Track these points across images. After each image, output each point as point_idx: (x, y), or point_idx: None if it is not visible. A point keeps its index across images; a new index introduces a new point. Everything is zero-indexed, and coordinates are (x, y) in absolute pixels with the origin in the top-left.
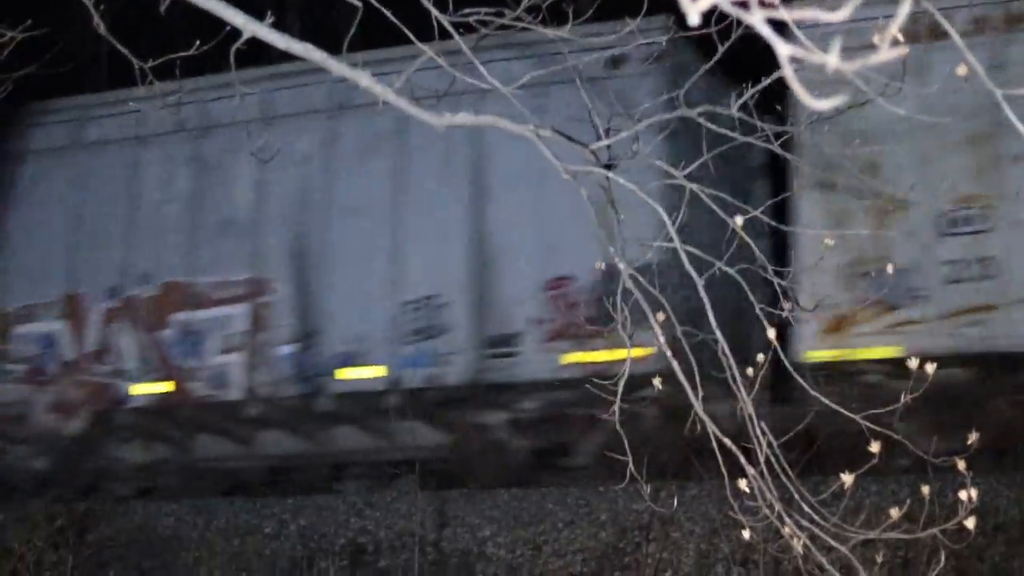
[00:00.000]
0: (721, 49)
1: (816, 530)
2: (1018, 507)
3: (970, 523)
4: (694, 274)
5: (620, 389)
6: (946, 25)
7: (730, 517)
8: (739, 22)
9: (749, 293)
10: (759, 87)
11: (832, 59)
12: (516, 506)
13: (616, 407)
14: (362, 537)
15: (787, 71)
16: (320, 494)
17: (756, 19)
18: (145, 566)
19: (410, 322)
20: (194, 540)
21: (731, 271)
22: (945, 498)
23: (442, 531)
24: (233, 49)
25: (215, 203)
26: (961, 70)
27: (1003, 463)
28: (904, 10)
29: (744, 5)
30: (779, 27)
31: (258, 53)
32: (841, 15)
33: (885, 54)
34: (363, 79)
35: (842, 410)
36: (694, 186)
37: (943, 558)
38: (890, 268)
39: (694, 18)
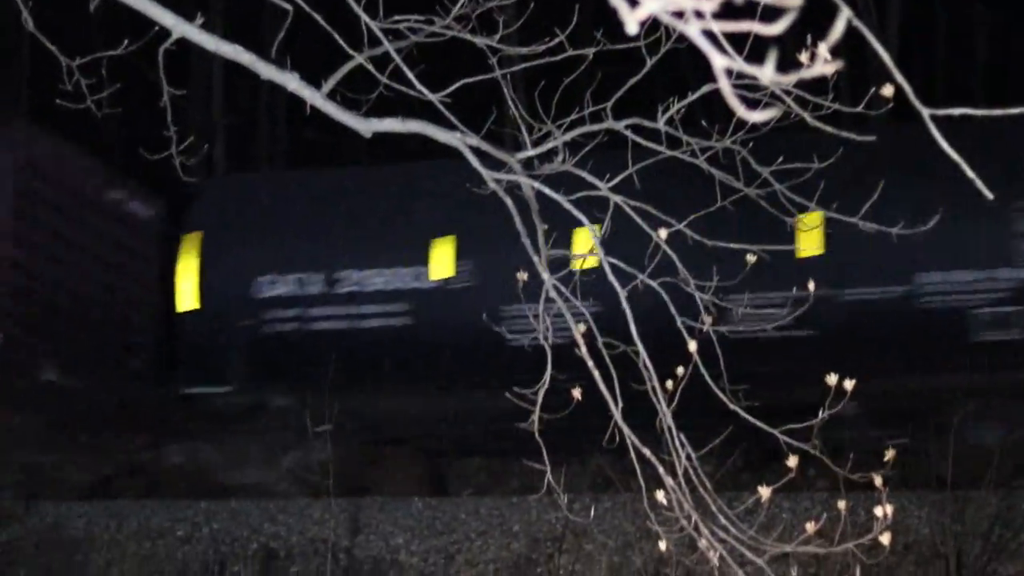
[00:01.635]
0: (650, 61)
1: (733, 542)
2: (928, 526)
3: (885, 539)
4: (617, 286)
5: (540, 399)
6: (876, 44)
7: (643, 530)
8: (669, 33)
9: (671, 305)
10: (686, 101)
11: (767, 71)
12: (429, 515)
13: (535, 416)
14: (274, 542)
15: (722, 83)
16: (234, 498)
17: (692, 30)
18: (55, 568)
19: None
20: (105, 542)
21: (653, 283)
22: (858, 516)
23: (355, 538)
24: (162, 49)
25: None
26: (887, 90)
27: (914, 482)
28: (840, 27)
29: (680, 16)
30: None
31: None
32: (778, 28)
33: (820, 68)
34: (291, 82)
35: (761, 424)
36: (618, 198)
37: (857, 573)
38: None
39: (632, 27)
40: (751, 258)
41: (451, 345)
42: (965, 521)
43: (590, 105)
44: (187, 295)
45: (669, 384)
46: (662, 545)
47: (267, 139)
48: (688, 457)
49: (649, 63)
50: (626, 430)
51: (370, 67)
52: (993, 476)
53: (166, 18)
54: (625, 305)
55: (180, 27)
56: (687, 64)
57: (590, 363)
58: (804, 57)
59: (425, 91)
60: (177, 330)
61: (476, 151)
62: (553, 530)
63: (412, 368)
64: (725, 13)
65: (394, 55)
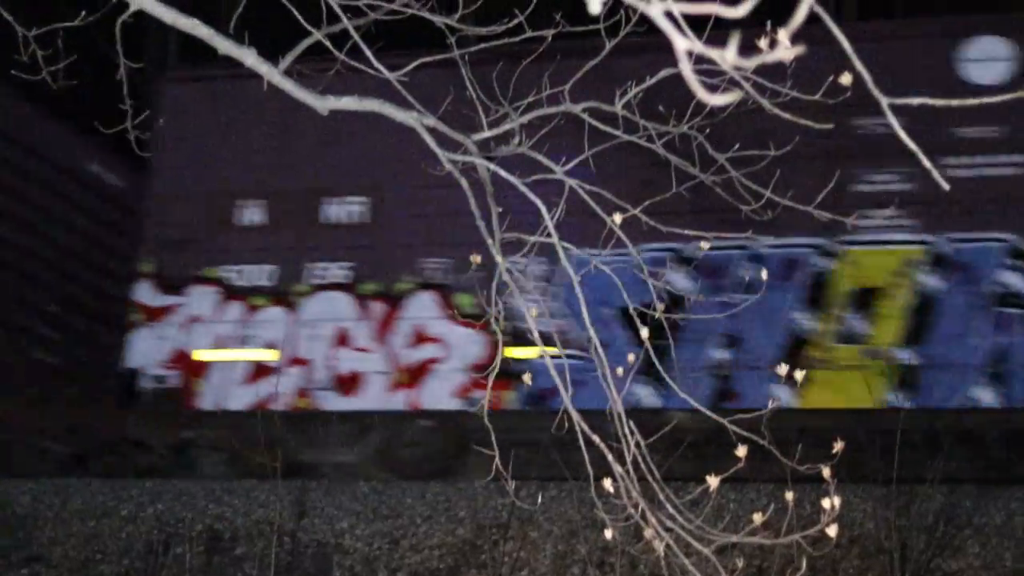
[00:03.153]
0: (611, 43)
1: (679, 532)
2: (874, 521)
3: (832, 531)
4: (571, 270)
5: (490, 383)
6: (836, 31)
7: (589, 519)
8: (628, 17)
9: (624, 292)
10: (644, 85)
11: (729, 55)
12: (375, 499)
13: (485, 400)
14: (219, 524)
15: (683, 66)
16: (179, 479)
17: (655, 11)
18: None
19: None
20: (50, 519)
21: (606, 269)
22: (803, 509)
23: (300, 521)
24: (120, 21)
25: None
26: (845, 78)
27: (860, 475)
28: (802, 11)
29: None
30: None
31: None
32: (742, 10)
33: (781, 53)
34: (248, 58)
35: (710, 413)
36: (573, 182)
37: (804, 565)
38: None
39: (595, 7)
40: (704, 245)
41: None
42: (910, 515)
43: (548, 88)
44: None
45: (620, 371)
46: (608, 533)
47: None
48: (637, 445)
49: (609, 46)
50: (575, 416)
51: (328, 44)
52: (939, 471)
53: None
54: (578, 290)
55: None
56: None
57: (541, 347)
58: (764, 43)
59: (383, 69)
60: None
61: (432, 131)
62: (499, 516)
63: None
64: None
65: (352, 32)
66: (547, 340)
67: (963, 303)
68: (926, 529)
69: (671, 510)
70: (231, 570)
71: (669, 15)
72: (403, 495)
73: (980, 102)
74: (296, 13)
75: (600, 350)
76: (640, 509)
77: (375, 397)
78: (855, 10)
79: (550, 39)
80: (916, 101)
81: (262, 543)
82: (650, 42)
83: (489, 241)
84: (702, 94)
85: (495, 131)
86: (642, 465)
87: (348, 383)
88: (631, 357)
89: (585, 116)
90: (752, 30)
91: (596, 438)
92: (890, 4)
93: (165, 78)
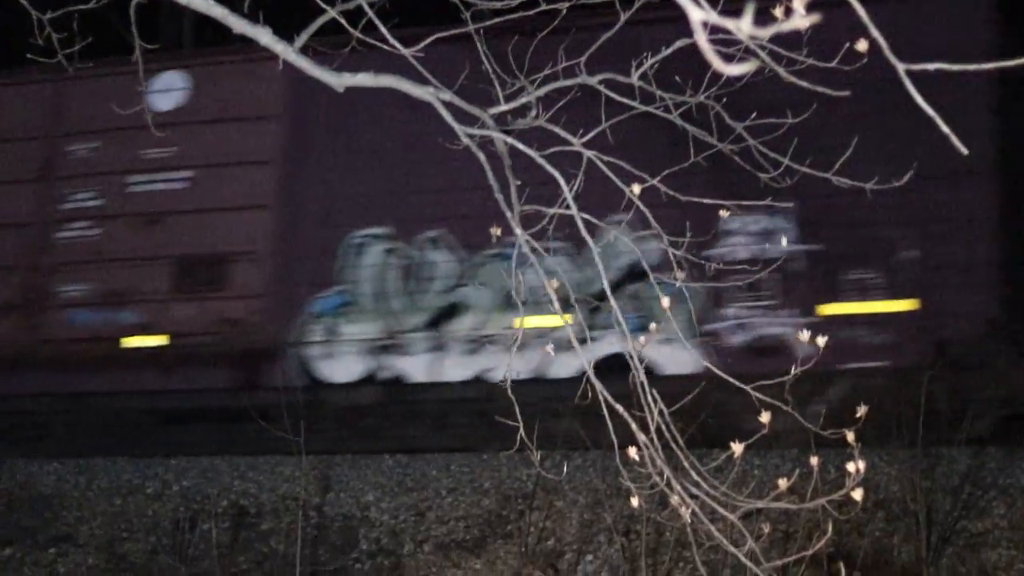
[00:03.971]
0: (624, 16)
1: (705, 498)
2: (899, 484)
3: (857, 495)
4: (590, 241)
5: (512, 354)
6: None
7: (614, 487)
8: None
9: (643, 261)
10: (660, 56)
11: (744, 25)
12: (400, 472)
13: (508, 373)
14: (245, 500)
15: (699, 37)
16: (205, 455)
17: None
18: (25, 524)
19: None
20: (75, 499)
21: (626, 239)
22: (828, 474)
23: (326, 495)
24: (134, 3)
25: None
26: (861, 45)
27: (885, 440)
28: None
29: None
30: None
31: None
32: None
33: (797, 21)
34: (263, 36)
35: (731, 379)
36: (591, 153)
37: (829, 528)
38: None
39: None
40: (724, 213)
41: None
42: (935, 478)
43: (564, 60)
44: None
45: (642, 340)
46: (634, 501)
47: None
48: (660, 413)
49: (623, 17)
50: (598, 386)
51: (343, 21)
52: (964, 434)
53: None
54: (598, 260)
55: None
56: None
57: (563, 320)
58: (779, 12)
59: (398, 45)
60: None
61: (449, 106)
62: (524, 487)
63: None
64: None
65: (367, 9)
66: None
67: None
68: (952, 491)
69: (696, 477)
70: (258, 545)
71: None
72: (427, 467)
73: (1008, 64)
74: None
75: (623, 320)
76: (665, 477)
77: None
78: None
79: (564, 11)
80: (933, 67)
81: (288, 518)
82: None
83: (508, 214)
84: (718, 64)
85: (512, 104)
86: (665, 433)
87: None
88: (653, 326)
89: (602, 88)
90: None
91: (619, 407)
92: None
93: None
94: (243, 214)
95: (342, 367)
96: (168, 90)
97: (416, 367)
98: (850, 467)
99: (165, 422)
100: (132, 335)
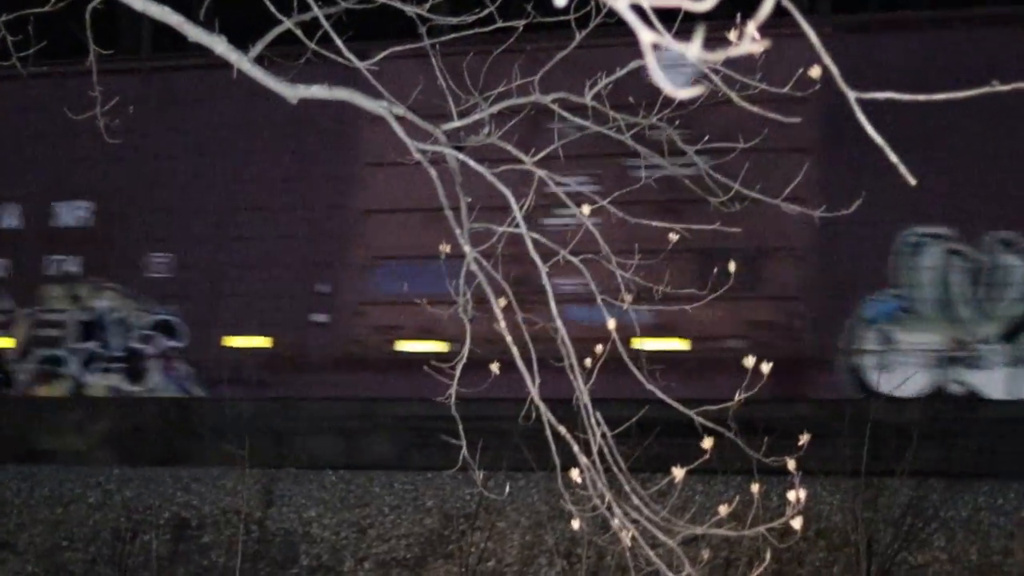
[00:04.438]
0: (580, 35)
1: (645, 523)
2: (840, 514)
3: (797, 523)
4: (539, 261)
5: (457, 373)
6: (804, 24)
7: (556, 509)
8: (599, 8)
9: (591, 282)
10: (614, 77)
11: (694, 48)
12: (343, 488)
13: (452, 391)
14: (187, 511)
15: (649, 59)
16: (147, 466)
17: (621, 4)
18: None
19: None
20: (16, 506)
21: (574, 260)
22: (770, 501)
23: (267, 509)
24: (89, 8)
25: None
26: (815, 71)
27: (828, 469)
28: (767, 7)
29: None
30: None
31: None
32: (707, 4)
33: (747, 47)
34: (218, 46)
35: (676, 404)
36: (542, 172)
37: (768, 557)
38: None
39: (561, 0)
40: (673, 236)
41: None
42: (877, 509)
43: (518, 78)
44: None
45: (588, 362)
46: (575, 524)
47: None
48: (603, 436)
49: (578, 37)
50: (542, 407)
51: (299, 32)
52: (907, 465)
53: None
54: (546, 281)
55: None
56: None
57: (508, 338)
58: (732, 35)
59: (353, 59)
60: None
61: (402, 120)
62: (466, 506)
63: None
64: None
65: (323, 21)
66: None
67: None
68: (893, 523)
69: (637, 501)
70: (198, 557)
71: (635, 7)
72: (371, 484)
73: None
74: (267, 1)
75: (568, 342)
76: (606, 500)
77: None
78: (829, 4)
79: (520, 29)
80: (883, 96)
81: (229, 531)
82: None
83: (457, 231)
84: (667, 87)
85: (464, 121)
86: (608, 457)
87: None
88: (599, 348)
89: (555, 107)
90: (732, 22)
91: (562, 429)
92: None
93: None
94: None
95: (904, 379)
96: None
97: (992, 382)
98: (791, 495)
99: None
100: (643, 336)
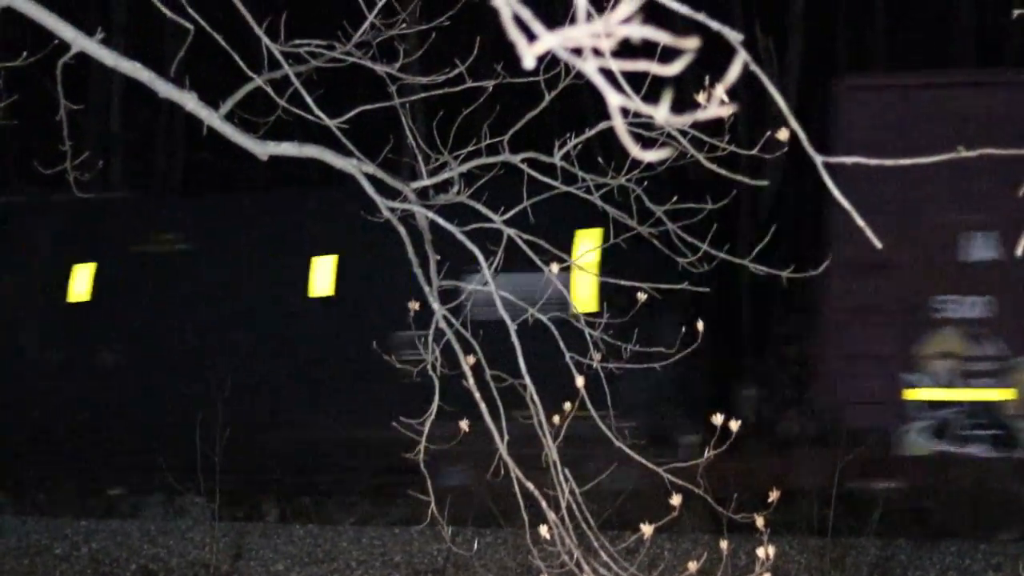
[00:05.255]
0: (549, 96)
1: None
2: (808, 573)
3: None
4: (507, 319)
5: (426, 429)
6: (772, 89)
7: (524, 566)
8: (568, 70)
9: (559, 340)
10: (583, 137)
11: (661, 111)
12: (311, 543)
13: (421, 446)
14: (154, 564)
15: (616, 121)
16: (114, 519)
17: (589, 67)
18: None
19: None
20: None
21: (543, 318)
22: (739, 559)
23: (235, 563)
24: (60, 63)
25: None
26: (782, 135)
27: (796, 527)
28: (736, 70)
29: (578, 52)
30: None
31: None
32: (675, 68)
33: (714, 110)
34: (189, 102)
35: (645, 462)
36: (511, 231)
37: None
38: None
39: (529, 61)
40: (641, 296)
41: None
42: (845, 568)
43: (487, 137)
44: None
45: (556, 419)
46: None
47: (164, 158)
48: (572, 492)
49: (547, 98)
50: (510, 463)
51: (269, 90)
52: (874, 525)
53: (66, 32)
54: (515, 338)
55: (80, 41)
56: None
57: (476, 395)
58: (701, 99)
59: (323, 116)
60: None
61: (371, 179)
62: (434, 562)
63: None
64: (623, 52)
65: (293, 79)
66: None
67: None
68: None
69: (606, 558)
70: None
71: (603, 71)
72: (338, 539)
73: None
74: (238, 58)
75: (536, 399)
76: (575, 557)
77: None
78: (798, 69)
79: (490, 90)
80: (850, 160)
81: None
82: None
83: (427, 288)
84: (635, 150)
85: (434, 179)
86: (577, 514)
87: None
88: (567, 405)
89: (524, 166)
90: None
91: (530, 485)
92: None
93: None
94: None
95: None
96: None
97: None
98: (759, 552)
99: None
100: None
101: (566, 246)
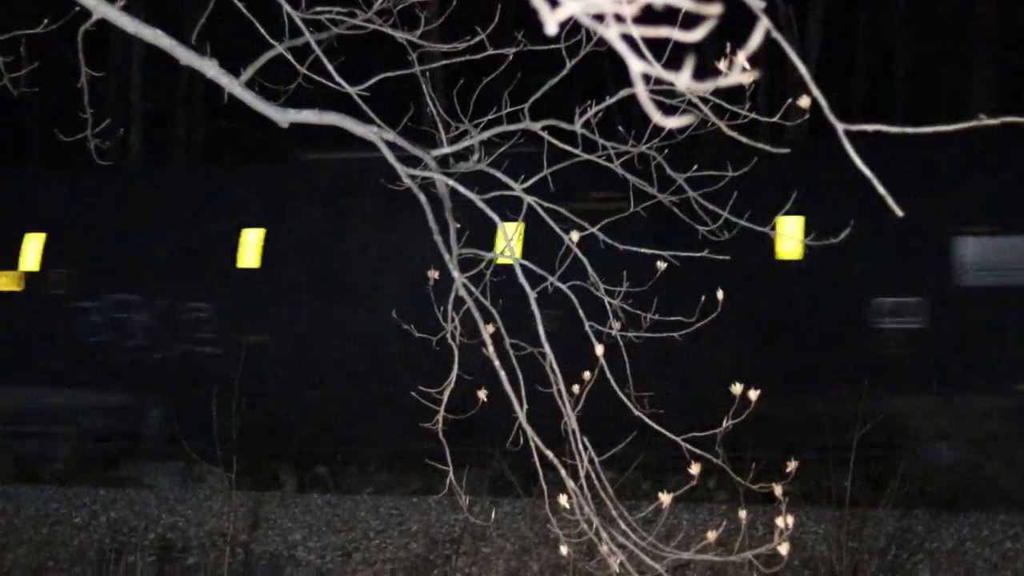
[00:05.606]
0: (570, 63)
1: (633, 548)
2: (826, 543)
3: (784, 549)
4: (527, 287)
5: (445, 398)
6: (793, 56)
7: (542, 536)
8: (590, 37)
9: (579, 309)
10: (604, 104)
11: (683, 78)
12: (329, 512)
13: (440, 416)
14: (172, 533)
15: (638, 88)
16: (132, 487)
17: (611, 34)
18: None
19: None
20: (1, 527)
21: (563, 286)
22: (756, 531)
23: (253, 532)
24: (81, 30)
25: None
26: (803, 102)
27: (814, 499)
28: (758, 37)
29: (600, 19)
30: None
31: None
32: (697, 35)
33: (736, 77)
34: (210, 69)
35: (663, 431)
36: (531, 199)
37: None
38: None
39: (552, 27)
40: (661, 265)
41: None
42: (862, 539)
43: (508, 105)
44: None
45: (575, 388)
46: (563, 550)
47: (184, 126)
48: (591, 461)
49: (568, 65)
50: (529, 432)
51: (290, 57)
52: (892, 496)
53: None
54: (534, 307)
55: (100, 8)
56: (607, 68)
57: (496, 363)
58: (722, 65)
59: (344, 84)
60: None
61: (392, 146)
62: (452, 532)
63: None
64: (645, 18)
65: (314, 46)
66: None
67: None
68: (878, 553)
69: (624, 527)
70: None
71: (625, 37)
72: (356, 508)
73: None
74: (259, 25)
75: (556, 367)
76: (594, 526)
77: None
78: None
79: (511, 57)
80: (872, 128)
81: (214, 554)
82: None
83: (446, 256)
84: (657, 116)
85: (454, 147)
86: (596, 483)
87: None
88: (587, 374)
89: (544, 134)
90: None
91: (550, 453)
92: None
93: None
94: None
95: None
96: None
97: None
98: (778, 522)
99: None
100: None
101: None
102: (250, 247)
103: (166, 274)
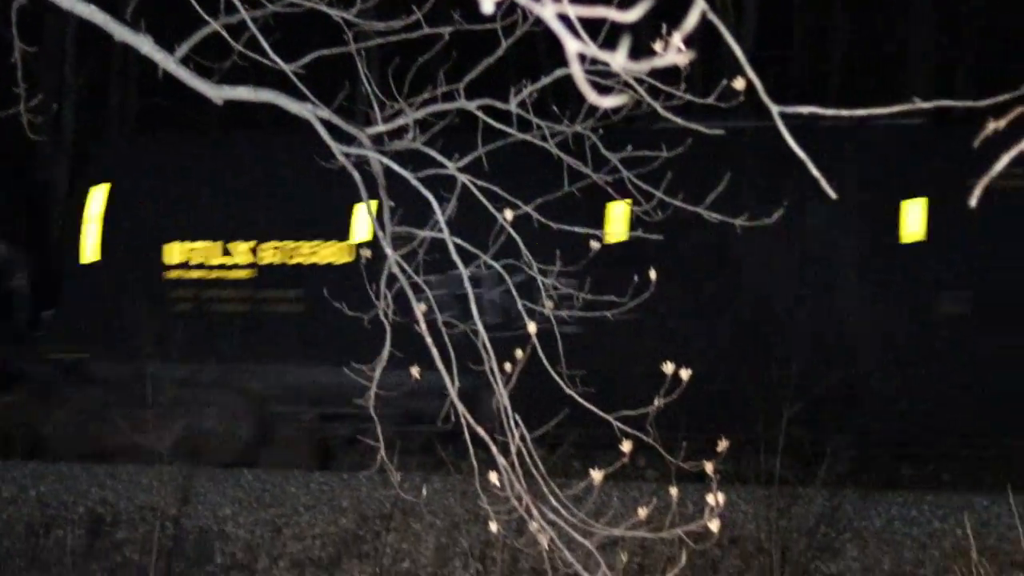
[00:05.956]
0: (506, 43)
1: (563, 525)
2: (755, 522)
3: (714, 525)
4: (461, 265)
5: (376, 375)
6: (728, 38)
7: (472, 513)
8: (526, 17)
9: (512, 288)
10: (539, 84)
11: (619, 58)
12: (259, 487)
13: (371, 392)
14: (101, 507)
15: (574, 67)
16: (63, 462)
17: (547, 13)
18: None
19: None
20: None
21: (496, 265)
22: (686, 508)
23: (183, 507)
24: (15, 5)
25: None
26: (739, 84)
27: (742, 476)
28: (693, 18)
29: None
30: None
31: None
32: (633, 15)
33: (671, 58)
34: (144, 45)
35: (595, 409)
36: (465, 178)
37: (683, 558)
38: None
39: (488, 7)
40: (595, 244)
41: None
42: (791, 517)
43: (443, 85)
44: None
45: (508, 366)
46: (492, 526)
47: (118, 102)
48: (522, 438)
49: (504, 45)
50: (461, 409)
51: (225, 34)
52: (821, 475)
53: None
54: (467, 285)
55: None
56: (543, 49)
57: (428, 341)
58: (658, 47)
59: (279, 61)
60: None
61: (326, 124)
62: (382, 508)
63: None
64: None
65: (250, 24)
66: (436, 334)
67: None
68: (807, 532)
69: (555, 504)
70: (112, 554)
71: (561, 17)
72: (286, 483)
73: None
74: (194, 2)
75: (488, 346)
76: (524, 503)
77: None
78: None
79: (447, 37)
80: (807, 110)
81: (144, 528)
82: None
83: (380, 234)
84: (592, 96)
85: (389, 125)
86: (527, 460)
87: None
88: (519, 353)
89: (479, 113)
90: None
91: (480, 430)
92: (788, 11)
93: None
94: None
95: None
96: None
97: None
98: (709, 499)
99: None
100: None
101: None
102: None
103: None
